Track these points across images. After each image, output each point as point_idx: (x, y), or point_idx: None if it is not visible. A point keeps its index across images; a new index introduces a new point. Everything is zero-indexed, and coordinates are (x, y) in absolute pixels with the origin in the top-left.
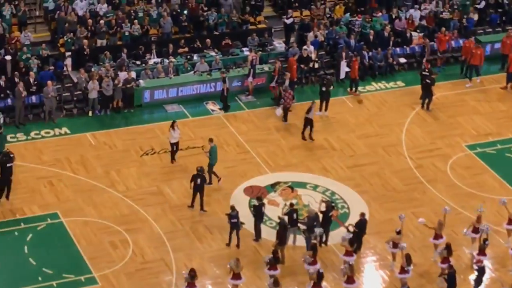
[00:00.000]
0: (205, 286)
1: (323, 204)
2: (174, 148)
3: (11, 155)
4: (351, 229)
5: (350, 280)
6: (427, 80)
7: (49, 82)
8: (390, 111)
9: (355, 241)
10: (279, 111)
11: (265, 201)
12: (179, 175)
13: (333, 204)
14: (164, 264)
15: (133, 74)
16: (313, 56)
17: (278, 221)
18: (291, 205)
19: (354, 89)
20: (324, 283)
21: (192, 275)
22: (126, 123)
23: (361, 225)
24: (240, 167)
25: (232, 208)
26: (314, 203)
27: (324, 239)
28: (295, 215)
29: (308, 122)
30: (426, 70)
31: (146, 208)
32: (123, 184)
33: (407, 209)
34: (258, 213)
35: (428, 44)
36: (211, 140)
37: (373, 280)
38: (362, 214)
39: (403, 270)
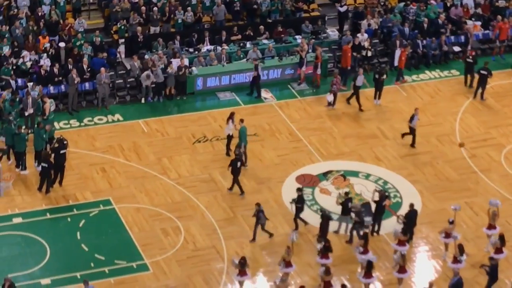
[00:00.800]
0: (257, 274)
1: (376, 194)
2: (231, 141)
3: (65, 142)
4: (401, 220)
5: (402, 269)
6: (482, 72)
7: (102, 69)
8: (443, 100)
9: (407, 232)
10: (330, 96)
11: (317, 189)
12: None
13: (386, 194)
14: (215, 251)
15: (186, 62)
16: (366, 44)
17: (320, 213)
18: (346, 194)
19: (401, 78)
20: (375, 273)
21: (243, 262)
22: (178, 110)
23: (411, 216)
24: (292, 155)
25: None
26: (366, 192)
27: (376, 228)
28: (350, 204)
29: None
30: (470, 57)
31: (198, 195)
32: (175, 171)
33: (460, 199)
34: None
35: (472, 31)
36: (241, 120)
37: (425, 270)
38: (411, 205)
39: (455, 260)
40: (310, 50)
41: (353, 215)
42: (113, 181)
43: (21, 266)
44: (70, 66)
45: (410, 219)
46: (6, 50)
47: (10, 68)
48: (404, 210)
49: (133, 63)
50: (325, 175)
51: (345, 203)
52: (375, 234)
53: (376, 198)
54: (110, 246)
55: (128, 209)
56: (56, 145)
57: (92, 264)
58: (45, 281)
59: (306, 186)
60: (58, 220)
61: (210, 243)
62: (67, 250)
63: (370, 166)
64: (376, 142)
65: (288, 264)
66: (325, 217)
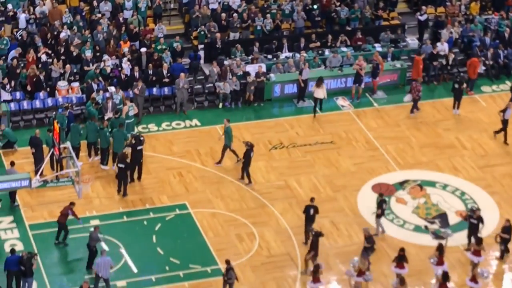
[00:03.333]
0: (330, 282)
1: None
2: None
3: (141, 138)
4: (499, 238)
5: (473, 279)
6: None
7: (182, 74)
8: None
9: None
10: (407, 97)
11: (393, 198)
12: (307, 170)
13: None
14: (289, 258)
15: (263, 68)
16: (446, 53)
17: (313, 232)
18: (381, 195)
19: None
20: (451, 284)
21: (315, 270)
22: (255, 117)
23: (507, 230)
24: (368, 164)
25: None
26: (443, 202)
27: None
28: (384, 206)
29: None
30: None
31: (273, 202)
32: (251, 177)
33: None
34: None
35: None
36: (228, 120)
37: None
38: (508, 221)
39: None
40: (389, 59)
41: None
42: (189, 185)
43: None
44: (150, 71)
45: (507, 233)
46: (88, 54)
47: (94, 71)
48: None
49: (212, 69)
50: (402, 184)
51: (381, 204)
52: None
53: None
54: (185, 250)
55: (204, 213)
56: (133, 141)
57: (167, 268)
58: (121, 283)
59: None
60: (134, 223)
61: (285, 250)
62: (142, 253)
63: (448, 176)
64: (454, 152)
65: (361, 273)
66: (317, 236)
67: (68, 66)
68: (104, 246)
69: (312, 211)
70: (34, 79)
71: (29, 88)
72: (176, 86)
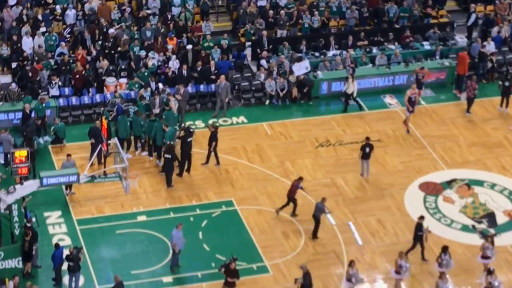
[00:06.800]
0: (376, 280)
1: None
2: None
3: (191, 130)
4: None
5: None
6: None
7: (222, 77)
8: None
9: None
10: (463, 96)
11: (440, 197)
12: (354, 168)
13: None
14: (335, 256)
15: (307, 64)
16: (493, 52)
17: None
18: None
19: None
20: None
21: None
22: (302, 114)
23: None
24: (415, 162)
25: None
26: (491, 201)
27: None
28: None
29: None
30: None
31: (319, 199)
32: (297, 175)
33: None
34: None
35: None
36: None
37: None
38: None
39: None
40: (437, 57)
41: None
42: (236, 182)
43: (144, 263)
44: (198, 69)
45: None
46: (138, 51)
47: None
48: None
49: (259, 73)
50: (449, 183)
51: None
52: None
53: None
54: (231, 247)
55: (250, 210)
56: (182, 133)
57: (213, 264)
58: (167, 279)
59: (429, 194)
60: (181, 220)
61: (330, 248)
62: (189, 249)
63: (496, 175)
64: (503, 151)
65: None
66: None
67: (105, 62)
68: (330, 219)
69: (368, 149)
70: (77, 76)
71: (73, 84)
72: (216, 87)
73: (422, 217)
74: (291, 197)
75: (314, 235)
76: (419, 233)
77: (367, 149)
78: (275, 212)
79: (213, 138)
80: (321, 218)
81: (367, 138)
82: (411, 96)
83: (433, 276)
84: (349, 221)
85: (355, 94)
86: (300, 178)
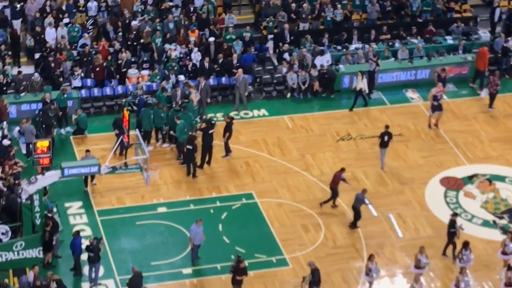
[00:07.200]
0: (396, 275)
1: None
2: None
3: (213, 122)
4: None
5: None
6: None
7: (240, 70)
8: None
9: None
10: (484, 92)
11: (461, 192)
12: (375, 162)
13: None
14: (355, 250)
15: (328, 57)
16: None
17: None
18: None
19: None
20: None
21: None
22: (323, 108)
23: None
24: (437, 157)
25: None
26: None
27: None
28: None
29: None
30: None
31: (340, 193)
32: (318, 168)
33: None
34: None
35: None
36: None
37: None
38: None
39: None
40: (460, 52)
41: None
42: (256, 175)
43: (164, 255)
44: (219, 61)
45: None
46: (160, 43)
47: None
48: None
49: (281, 68)
50: (470, 178)
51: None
52: None
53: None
54: (251, 239)
55: (270, 203)
56: (204, 125)
57: (232, 257)
58: (186, 270)
59: (450, 189)
60: (201, 212)
61: (350, 242)
62: (208, 241)
63: None
64: None
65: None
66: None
67: (124, 54)
68: (372, 210)
69: (386, 138)
70: (98, 69)
71: (92, 76)
72: (235, 81)
73: (455, 214)
74: (334, 189)
75: (354, 225)
76: (451, 230)
77: (386, 138)
78: (319, 205)
79: (228, 129)
80: (361, 209)
81: (386, 126)
82: (436, 94)
83: (453, 272)
84: (389, 213)
85: (367, 91)
86: (343, 169)
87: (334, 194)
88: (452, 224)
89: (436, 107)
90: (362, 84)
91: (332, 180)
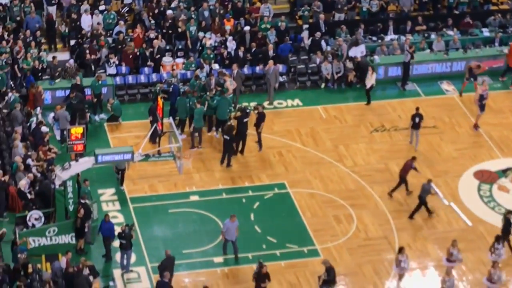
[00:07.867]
0: (427, 268)
1: None
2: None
3: (247, 111)
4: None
5: None
6: None
7: (270, 62)
8: None
9: None
10: None
11: (495, 186)
12: (408, 154)
13: None
14: (387, 242)
15: (363, 48)
16: None
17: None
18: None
19: None
20: None
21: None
22: (357, 98)
23: None
24: (471, 150)
25: None
26: None
27: None
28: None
29: None
30: None
31: (373, 185)
32: (351, 159)
33: None
34: None
35: None
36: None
37: None
38: None
39: None
40: (497, 44)
41: None
42: (289, 165)
43: (195, 243)
44: (252, 50)
45: None
46: (195, 31)
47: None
48: None
49: (315, 58)
50: (505, 172)
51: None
52: None
53: None
54: (283, 229)
55: (302, 194)
56: (239, 113)
57: (264, 246)
58: (218, 259)
59: (483, 182)
60: (233, 201)
61: (382, 234)
62: (240, 231)
63: None
64: None
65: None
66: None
67: (156, 41)
68: (443, 199)
69: (417, 119)
70: (130, 56)
71: (123, 65)
72: (265, 72)
73: (510, 212)
74: (403, 177)
75: (428, 212)
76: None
77: (417, 119)
78: (387, 195)
79: (261, 119)
80: (427, 199)
81: (417, 108)
82: (483, 93)
83: (485, 265)
84: (451, 202)
85: (374, 87)
86: (414, 158)
87: (402, 182)
88: (508, 222)
89: (483, 106)
90: (373, 80)
91: (402, 168)
